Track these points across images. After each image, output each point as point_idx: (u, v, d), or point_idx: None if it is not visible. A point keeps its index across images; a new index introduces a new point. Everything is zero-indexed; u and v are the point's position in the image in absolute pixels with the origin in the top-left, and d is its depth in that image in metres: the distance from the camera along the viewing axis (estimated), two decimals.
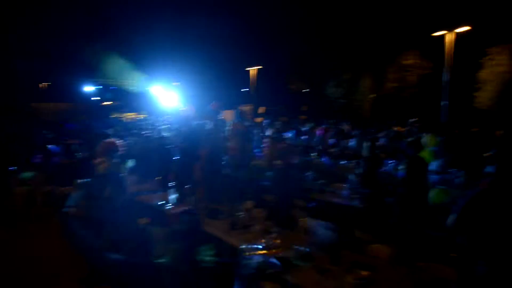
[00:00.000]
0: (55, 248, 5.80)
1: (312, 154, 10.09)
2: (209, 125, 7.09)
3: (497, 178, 3.49)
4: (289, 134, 15.43)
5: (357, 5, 21.15)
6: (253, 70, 29.27)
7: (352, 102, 23.16)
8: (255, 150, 9.55)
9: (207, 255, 3.83)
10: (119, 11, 30.57)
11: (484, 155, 8.20)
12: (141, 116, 27.54)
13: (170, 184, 6.30)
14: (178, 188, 6.00)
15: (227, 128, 7.43)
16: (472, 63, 17.50)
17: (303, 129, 13.61)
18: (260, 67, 28.48)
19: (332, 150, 11.49)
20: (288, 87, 27.68)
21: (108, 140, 5.00)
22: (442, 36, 16.06)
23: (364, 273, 3.14)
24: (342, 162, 9.16)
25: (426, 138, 6.89)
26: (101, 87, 27.39)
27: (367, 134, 9.73)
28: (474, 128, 12.96)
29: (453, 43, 15.72)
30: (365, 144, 6.48)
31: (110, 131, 13.40)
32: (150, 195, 6.21)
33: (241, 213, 4.88)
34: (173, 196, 5.86)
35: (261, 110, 30.07)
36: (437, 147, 6.89)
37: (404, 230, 6.00)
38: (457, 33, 15.65)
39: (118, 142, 5.22)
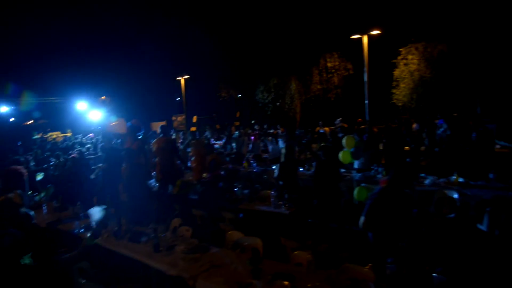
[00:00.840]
0: None
1: (243, 162, 10.12)
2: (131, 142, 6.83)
3: (394, 175, 3.73)
4: (219, 142, 15.45)
5: (279, 10, 21.74)
6: (183, 79, 28.89)
7: (281, 106, 23.69)
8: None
9: None
10: (37, 19, 28.55)
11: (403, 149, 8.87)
12: (67, 135, 25.93)
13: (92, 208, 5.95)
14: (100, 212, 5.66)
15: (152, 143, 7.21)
16: (387, 63, 18.74)
17: (234, 136, 13.63)
18: (187, 76, 28.23)
19: (263, 155, 11.65)
20: (219, 94, 27.65)
21: (11, 167, 4.61)
22: (360, 39, 17.04)
23: (285, 283, 3.15)
24: (272, 168, 9.25)
25: (344, 140, 7.20)
26: (17, 105, 25.33)
27: (290, 138, 9.95)
28: (393, 124, 13.81)
29: (367, 45, 16.74)
30: (282, 150, 6.64)
31: (30, 155, 12.39)
32: (70, 223, 5.78)
33: (165, 233, 4.71)
34: (94, 221, 5.51)
35: (194, 119, 29.79)
36: (355, 147, 7.22)
37: (327, 229, 6.24)
38: (372, 36, 16.73)
39: (24, 170, 4.84)
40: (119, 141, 9.57)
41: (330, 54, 21.88)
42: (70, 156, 8.21)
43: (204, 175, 6.62)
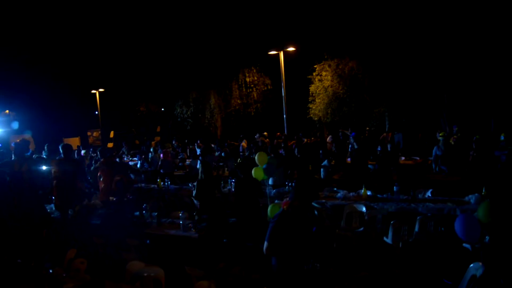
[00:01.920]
0: None
1: (158, 180, 9.61)
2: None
3: (294, 197, 3.62)
4: (135, 159, 14.68)
5: (197, 24, 21.53)
6: (98, 93, 27.34)
7: (201, 120, 23.36)
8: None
9: None
10: None
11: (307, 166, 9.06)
12: None
13: None
14: None
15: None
16: (303, 79, 19.42)
17: (150, 154, 12.99)
18: (102, 90, 26.80)
19: (178, 173, 11.23)
20: (137, 108, 26.52)
21: None
22: (277, 55, 17.45)
23: None
24: (187, 186, 8.87)
25: (256, 156, 7.11)
26: None
27: (206, 154, 9.70)
28: (307, 139, 14.25)
29: (283, 62, 17.21)
30: (199, 167, 6.36)
31: None
32: None
33: (52, 269, 4.12)
34: None
35: (111, 134, 28.20)
36: (268, 163, 7.16)
37: (242, 249, 6.04)
38: (289, 52, 17.24)
39: None
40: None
41: (249, 69, 22.10)
42: None
43: (111, 198, 6.06)
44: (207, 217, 5.84)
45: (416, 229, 5.31)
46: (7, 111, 26.17)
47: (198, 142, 15.19)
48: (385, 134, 13.82)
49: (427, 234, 5.27)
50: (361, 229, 5.81)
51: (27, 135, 21.51)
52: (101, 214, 6.30)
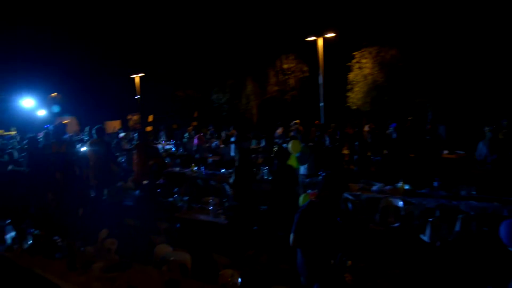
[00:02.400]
0: None
1: (192, 165, 9.68)
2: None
3: (322, 188, 3.46)
4: (171, 144, 14.90)
5: (236, 10, 21.42)
6: (138, 78, 27.90)
7: (237, 107, 23.35)
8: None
9: None
10: None
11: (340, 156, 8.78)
12: (11, 133, 24.23)
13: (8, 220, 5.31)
14: (16, 224, 5.05)
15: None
16: (342, 66, 18.89)
17: (185, 138, 13.12)
18: (143, 74, 27.29)
19: (213, 158, 11.25)
20: (175, 93, 26.90)
21: None
22: (315, 41, 17.01)
23: None
24: (220, 172, 8.86)
25: (290, 145, 6.93)
26: None
27: (243, 140, 9.60)
28: (348, 128, 13.84)
29: (323, 48, 16.74)
30: (237, 153, 6.26)
31: None
32: None
33: (86, 247, 4.21)
34: (10, 235, 4.90)
35: (149, 118, 28.81)
36: (302, 152, 6.98)
37: (275, 238, 5.94)
38: (328, 38, 16.75)
39: None
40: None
41: (286, 56, 21.78)
42: None
43: (144, 182, 6.13)
44: (238, 204, 5.79)
45: (457, 228, 4.98)
46: (55, 93, 27.37)
47: (231, 129, 15.15)
48: (428, 125, 13.17)
49: (469, 235, 4.94)
50: (397, 224, 5.55)
51: (68, 118, 22.42)
52: (133, 196, 6.39)
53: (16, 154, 8.52)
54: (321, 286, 2.83)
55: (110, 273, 3.64)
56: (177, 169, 9.81)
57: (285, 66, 21.86)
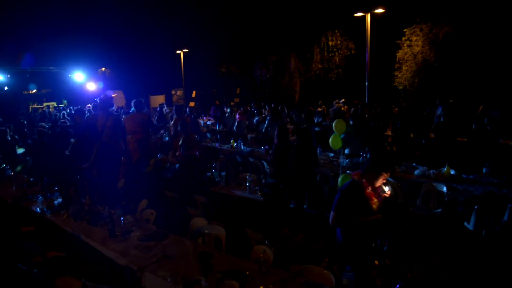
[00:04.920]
0: None
1: (231, 141, 9.75)
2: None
3: (366, 168, 3.36)
4: (212, 120, 15.07)
5: None
6: (182, 53, 28.22)
7: (280, 84, 23.08)
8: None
9: None
10: None
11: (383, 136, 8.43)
12: (61, 106, 25.50)
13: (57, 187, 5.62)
14: (64, 191, 5.34)
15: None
16: (391, 44, 18.03)
17: (227, 114, 13.20)
18: (187, 50, 27.53)
19: (252, 135, 11.25)
20: (218, 70, 27.02)
21: None
22: (364, 17, 16.29)
23: (235, 284, 2.82)
24: (259, 149, 8.86)
25: (334, 124, 6.72)
26: (14, 74, 24.81)
27: (279, 117, 9.48)
28: (392, 109, 13.34)
29: (370, 25, 15.98)
30: (276, 131, 6.17)
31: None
32: (33, 200, 5.45)
33: (125, 216, 4.37)
34: (58, 201, 5.19)
35: (193, 94, 29.26)
36: (347, 132, 6.76)
37: (309, 217, 5.91)
38: (376, 14, 15.97)
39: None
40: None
41: (332, 32, 21.09)
42: (37, 130, 7.84)
43: (177, 153, 6.24)
44: (275, 182, 5.77)
45: (505, 217, 4.68)
46: (103, 68, 28.37)
47: (271, 106, 15.05)
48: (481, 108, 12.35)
49: None
50: (439, 210, 5.32)
51: (116, 92, 23.22)
52: (172, 169, 6.54)
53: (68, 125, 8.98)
54: (356, 268, 2.76)
55: (147, 242, 3.76)
56: (217, 144, 9.91)
57: (331, 43, 21.23)
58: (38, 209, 5.08)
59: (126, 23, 30.16)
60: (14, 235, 4.99)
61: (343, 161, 7.35)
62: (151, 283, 3.16)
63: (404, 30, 17.63)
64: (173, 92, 32.57)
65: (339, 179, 6.32)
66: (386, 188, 3.29)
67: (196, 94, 29.44)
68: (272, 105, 14.81)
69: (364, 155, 7.35)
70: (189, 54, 28.48)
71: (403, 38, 17.69)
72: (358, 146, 7.78)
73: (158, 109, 13.61)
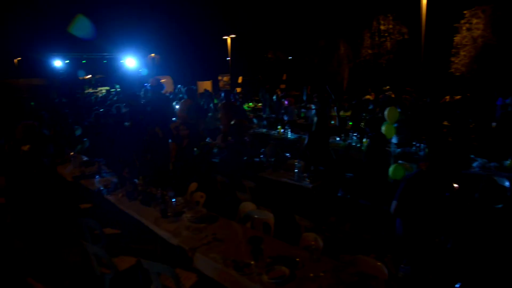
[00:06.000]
0: None
1: (278, 127, 9.72)
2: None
3: (435, 159, 3.20)
4: (259, 106, 15.06)
5: None
6: (229, 39, 28.33)
7: (328, 70, 22.57)
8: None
9: None
10: None
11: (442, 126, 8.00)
12: (113, 90, 26.57)
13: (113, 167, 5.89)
14: (119, 171, 5.57)
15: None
16: (448, 27, 17.00)
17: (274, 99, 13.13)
18: (234, 36, 27.58)
19: (300, 121, 11.14)
20: (265, 55, 26.88)
21: (26, 122, 4.56)
22: (418, 0, 15.46)
23: (285, 270, 2.81)
24: (306, 135, 8.75)
25: (387, 112, 6.45)
26: (71, 60, 26.14)
27: (323, 105, 9.29)
28: (446, 96, 12.67)
29: (426, 7, 15.12)
30: (314, 118, 6.08)
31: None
32: (91, 179, 5.74)
33: (177, 198, 4.49)
34: (114, 181, 5.43)
35: (239, 79, 29.42)
36: (399, 120, 6.49)
37: (359, 206, 5.76)
38: None
39: (36, 124, 4.78)
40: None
41: (384, 16, 20.21)
42: (94, 113, 8.20)
43: (229, 138, 6.29)
44: (323, 169, 5.68)
45: None
46: (152, 54, 29.15)
47: (315, 96, 14.74)
48: None
49: None
50: (500, 205, 4.99)
51: (165, 77, 23.81)
52: (220, 153, 6.62)
53: (122, 109, 9.33)
54: (414, 262, 2.66)
55: (198, 223, 3.84)
56: (264, 130, 9.92)
57: (383, 27, 20.38)
58: (95, 188, 5.35)
59: (175, 9, 30.71)
60: (74, 211, 5.31)
61: (394, 150, 7.09)
62: (202, 264, 3.23)
63: (464, 12, 16.52)
64: (219, 77, 32.91)
65: (390, 169, 6.11)
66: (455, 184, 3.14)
67: (242, 80, 29.60)
68: (320, 92, 14.52)
69: (418, 145, 7.06)
70: (237, 39, 28.53)
71: (462, 21, 16.61)
72: (408, 136, 7.48)
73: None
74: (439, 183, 3.12)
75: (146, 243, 4.95)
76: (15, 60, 33.68)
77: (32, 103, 15.25)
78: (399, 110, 7.22)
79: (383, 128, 6.16)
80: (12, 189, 4.15)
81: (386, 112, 6.61)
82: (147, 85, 18.90)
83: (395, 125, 6.45)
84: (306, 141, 6.07)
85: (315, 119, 6.06)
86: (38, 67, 29.53)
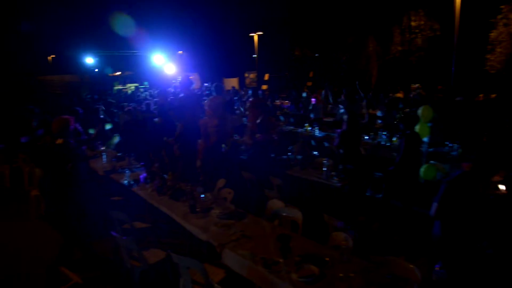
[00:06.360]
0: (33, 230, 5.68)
1: (306, 125, 9.65)
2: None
3: (479, 161, 3.06)
4: (286, 103, 14.99)
5: None
6: (256, 36, 28.28)
7: (356, 67, 22.18)
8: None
9: None
10: None
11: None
12: (142, 87, 27.09)
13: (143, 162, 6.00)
14: (148, 166, 5.67)
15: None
16: (483, 23, 16.37)
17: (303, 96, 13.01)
18: (261, 33, 27.49)
19: (328, 119, 11.00)
20: (292, 53, 26.70)
21: (62, 117, 4.69)
22: None
23: (314, 269, 2.79)
24: (334, 134, 8.64)
25: (421, 110, 6.27)
26: (102, 57, 26.84)
27: (352, 101, 9.14)
28: (481, 95, 12.21)
29: (460, 2, 14.60)
30: (344, 116, 5.97)
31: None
32: (121, 174, 5.86)
33: (205, 194, 4.53)
34: (143, 175, 5.53)
35: (265, 77, 29.36)
36: (432, 119, 6.30)
37: (389, 207, 5.65)
38: None
39: (73, 119, 4.91)
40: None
41: (415, 12, 19.64)
42: (126, 109, 8.36)
43: (257, 136, 6.28)
44: (352, 168, 5.59)
45: None
46: (180, 51, 29.52)
47: (344, 91, 14.53)
48: None
49: None
50: None
51: (192, 74, 24.08)
52: (248, 150, 6.62)
53: (151, 105, 9.50)
54: (450, 266, 2.56)
55: (227, 220, 3.85)
56: (291, 127, 9.87)
57: (413, 23, 19.83)
58: (125, 182, 5.47)
59: (203, 7, 30.94)
60: (105, 204, 5.45)
61: (426, 150, 6.90)
62: (231, 260, 3.24)
63: (501, 6, 15.86)
64: (246, 75, 32.95)
65: (421, 169, 5.95)
66: (501, 186, 2.99)
67: (269, 77, 29.55)
68: (348, 89, 14.30)
69: (451, 145, 6.85)
70: (263, 36, 28.47)
71: (499, 16, 15.95)
72: (440, 135, 7.25)
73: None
74: (483, 185, 2.98)
75: (174, 237, 5.04)
76: (49, 58, 34.97)
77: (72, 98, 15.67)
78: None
79: (417, 127, 6.00)
80: (46, 181, 4.27)
81: (420, 111, 6.43)
82: (174, 81, 19.20)
83: (430, 124, 6.28)
84: (337, 140, 5.97)
85: (345, 117, 5.94)
86: (71, 64, 30.56)
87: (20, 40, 26.91)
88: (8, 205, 6.98)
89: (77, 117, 6.38)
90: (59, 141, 4.57)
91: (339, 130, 6.95)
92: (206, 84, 17.88)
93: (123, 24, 25.04)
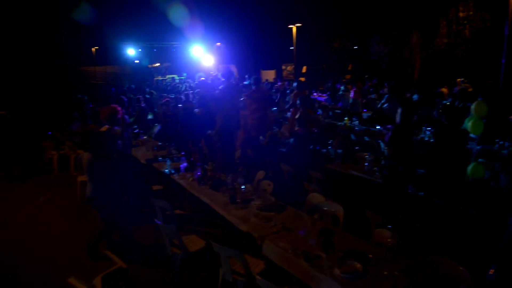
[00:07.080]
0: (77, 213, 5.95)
1: (345, 119, 9.48)
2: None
3: None
4: (324, 96, 14.78)
5: None
6: (295, 28, 27.96)
7: (398, 60, 21.45)
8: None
9: None
10: None
11: None
12: (181, 78, 27.53)
13: (183, 152, 6.10)
14: (188, 156, 5.77)
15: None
16: None
17: (340, 91, 12.76)
18: (300, 24, 27.13)
19: (367, 113, 10.74)
20: (331, 45, 26.21)
21: (109, 106, 4.84)
22: None
23: (357, 265, 2.73)
24: (375, 128, 8.44)
25: (474, 105, 5.92)
26: (142, 48, 27.44)
27: (399, 96, 8.83)
28: None
29: None
30: (398, 110, 5.70)
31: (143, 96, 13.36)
32: (162, 163, 6.00)
33: (244, 185, 4.55)
34: (183, 165, 5.64)
35: (303, 69, 29.03)
36: (486, 116, 5.95)
37: (432, 205, 5.44)
38: None
39: (120, 108, 5.06)
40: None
41: (463, 2, 18.69)
42: (164, 100, 8.51)
43: (296, 128, 6.23)
44: (395, 164, 5.42)
45: None
46: (218, 43, 29.73)
47: (386, 85, 14.09)
48: None
49: None
50: None
51: (230, 66, 24.20)
52: (287, 143, 6.59)
53: (191, 96, 9.63)
54: (504, 271, 2.43)
55: (267, 212, 3.85)
56: (328, 120, 9.73)
57: (461, 14, 18.87)
58: (166, 171, 5.59)
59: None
60: (148, 192, 5.61)
61: (475, 147, 6.58)
62: (271, 252, 3.24)
63: None
64: (283, 67, 32.74)
65: (469, 168, 5.68)
66: None
67: (306, 69, 29.19)
68: (392, 82, 13.87)
69: (501, 142, 6.51)
70: (301, 28, 28.10)
71: None
72: (490, 132, 6.88)
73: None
74: None
75: (213, 227, 5.11)
76: (93, 49, 36.23)
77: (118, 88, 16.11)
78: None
79: (469, 124, 5.70)
80: (95, 166, 4.42)
81: (473, 107, 6.05)
82: (212, 72, 19.36)
83: (484, 120, 5.95)
84: (388, 135, 5.71)
85: (400, 110, 5.53)
86: (113, 55, 31.49)
87: (66, 32, 28.01)
88: (55, 189, 7.34)
89: (122, 106, 6.57)
90: (104, 128, 4.73)
91: (389, 126, 6.71)
92: (246, 76, 17.93)
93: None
